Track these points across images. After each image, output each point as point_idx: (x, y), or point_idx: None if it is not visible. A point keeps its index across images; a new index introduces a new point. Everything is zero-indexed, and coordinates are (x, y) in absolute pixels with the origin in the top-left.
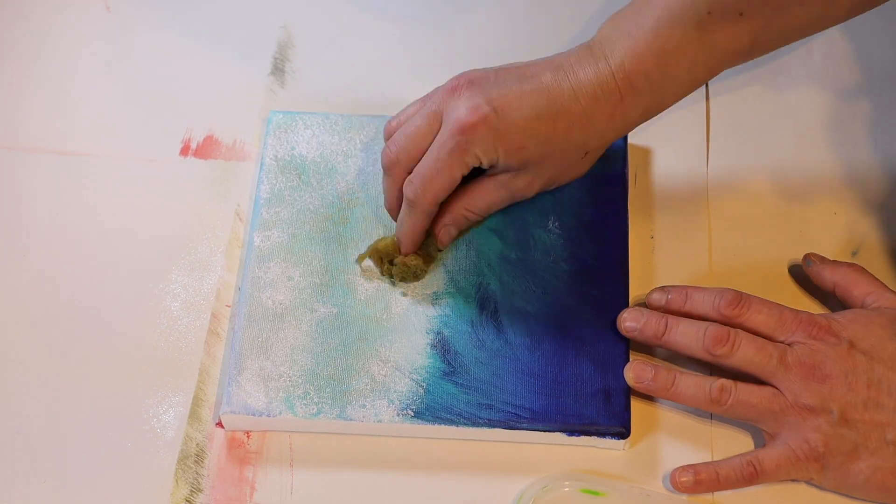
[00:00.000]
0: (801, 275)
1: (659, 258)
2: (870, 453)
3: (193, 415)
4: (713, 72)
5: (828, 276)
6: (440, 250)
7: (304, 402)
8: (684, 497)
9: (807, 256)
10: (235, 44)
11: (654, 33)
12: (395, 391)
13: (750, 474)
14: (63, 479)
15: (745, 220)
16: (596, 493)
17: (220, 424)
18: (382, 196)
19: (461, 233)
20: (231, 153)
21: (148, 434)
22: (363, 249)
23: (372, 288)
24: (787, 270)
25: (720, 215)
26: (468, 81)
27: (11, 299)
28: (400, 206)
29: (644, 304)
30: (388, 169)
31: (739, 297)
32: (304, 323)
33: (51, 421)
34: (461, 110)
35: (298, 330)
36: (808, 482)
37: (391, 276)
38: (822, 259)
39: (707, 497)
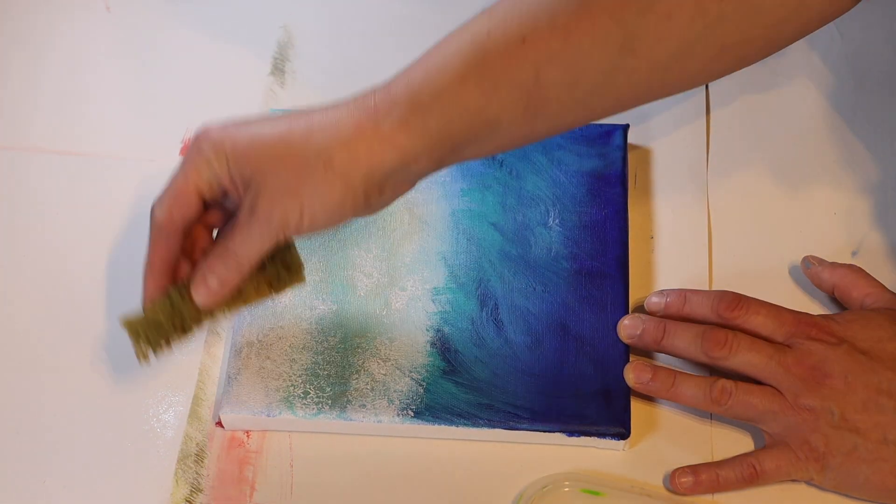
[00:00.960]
0: (801, 275)
1: (659, 258)
2: (870, 453)
3: (193, 414)
4: (490, 108)
5: (827, 278)
6: (196, 317)
7: (304, 401)
8: (684, 497)
9: (806, 259)
10: (235, 44)
11: (431, 55)
12: (395, 391)
13: (750, 475)
14: (63, 479)
15: (745, 220)
16: (596, 493)
17: (219, 424)
18: None
19: (233, 299)
20: None
21: (148, 434)
22: (363, 247)
23: (372, 284)
24: (786, 271)
25: (720, 215)
26: None
27: (11, 299)
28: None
29: (643, 308)
30: (150, 214)
31: (738, 299)
32: (304, 321)
33: (51, 421)
34: (201, 127)
35: (298, 328)
36: (808, 482)
37: (143, 351)
38: (821, 261)
39: (707, 498)
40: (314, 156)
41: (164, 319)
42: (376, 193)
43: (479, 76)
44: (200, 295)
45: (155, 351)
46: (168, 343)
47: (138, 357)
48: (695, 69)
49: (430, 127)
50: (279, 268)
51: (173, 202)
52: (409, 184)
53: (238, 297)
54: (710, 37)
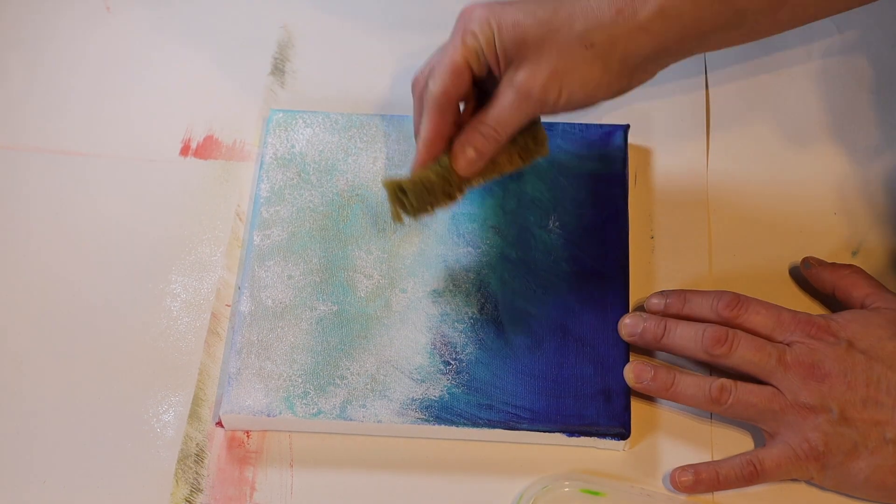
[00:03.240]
0: (801, 275)
1: (659, 258)
2: (869, 452)
3: (193, 414)
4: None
5: (827, 278)
6: (459, 186)
7: (304, 401)
8: (684, 497)
9: (806, 260)
10: (235, 44)
11: None
12: (395, 391)
13: (750, 473)
14: (63, 479)
15: (745, 220)
16: (596, 493)
17: (219, 424)
18: (384, 193)
19: (487, 169)
20: (231, 153)
21: (148, 434)
22: (363, 249)
23: (372, 285)
24: (787, 271)
25: (720, 215)
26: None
27: (11, 299)
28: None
29: (643, 308)
30: (413, 88)
31: (738, 299)
32: (304, 322)
33: (51, 421)
34: (465, 6)
35: (298, 329)
36: (808, 482)
37: (401, 211)
38: (821, 262)
39: (707, 497)
40: (576, 37)
41: (437, 182)
42: (628, 77)
43: None
44: (460, 164)
45: (416, 214)
46: (432, 207)
47: (394, 217)
48: None
49: (683, 15)
50: (528, 140)
51: (448, 76)
52: (655, 71)
53: (493, 166)
54: None
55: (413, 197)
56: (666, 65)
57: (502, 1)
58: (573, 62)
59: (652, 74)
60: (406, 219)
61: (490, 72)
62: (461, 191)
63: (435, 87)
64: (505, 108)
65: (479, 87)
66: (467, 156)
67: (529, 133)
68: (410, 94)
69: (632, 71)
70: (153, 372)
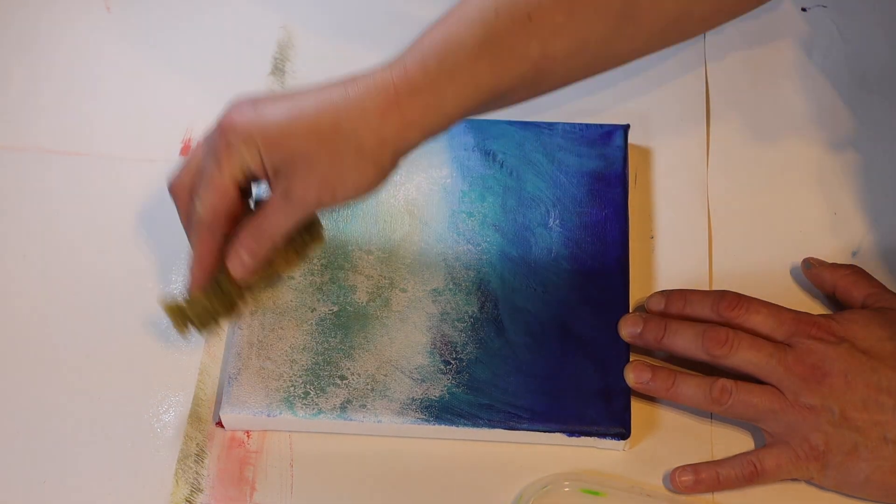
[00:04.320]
0: (801, 275)
1: (659, 258)
2: (870, 452)
3: (193, 414)
4: (500, 83)
5: (828, 279)
6: (240, 295)
7: (304, 402)
8: (684, 497)
9: (806, 260)
10: (235, 44)
11: (439, 31)
12: (395, 391)
13: (750, 473)
14: (63, 479)
15: (745, 221)
16: (596, 493)
17: (220, 424)
18: (383, 191)
19: (265, 276)
20: None
21: (148, 434)
22: (363, 248)
23: (372, 285)
24: (787, 271)
25: (720, 215)
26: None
27: (11, 299)
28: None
29: (643, 308)
30: (171, 193)
31: (738, 299)
32: (304, 322)
33: (51, 421)
34: (224, 113)
35: (298, 329)
36: (809, 482)
37: (184, 330)
38: (822, 262)
39: (707, 497)
40: (344, 143)
41: (216, 303)
42: (399, 164)
43: (491, 55)
44: (236, 269)
45: (203, 330)
46: (216, 322)
47: (179, 332)
48: (692, 29)
49: (447, 106)
50: (304, 235)
51: (215, 197)
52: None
53: (270, 268)
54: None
55: (195, 318)
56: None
57: (257, 100)
58: (344, 168)
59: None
60: (194, 332)
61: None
62: (242, 298)
63: (203, 209)
64: (278, 215)
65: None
66: (242, 261)
67: (304, 228)
68: None
69: (402, 158)
70: (153, 372)
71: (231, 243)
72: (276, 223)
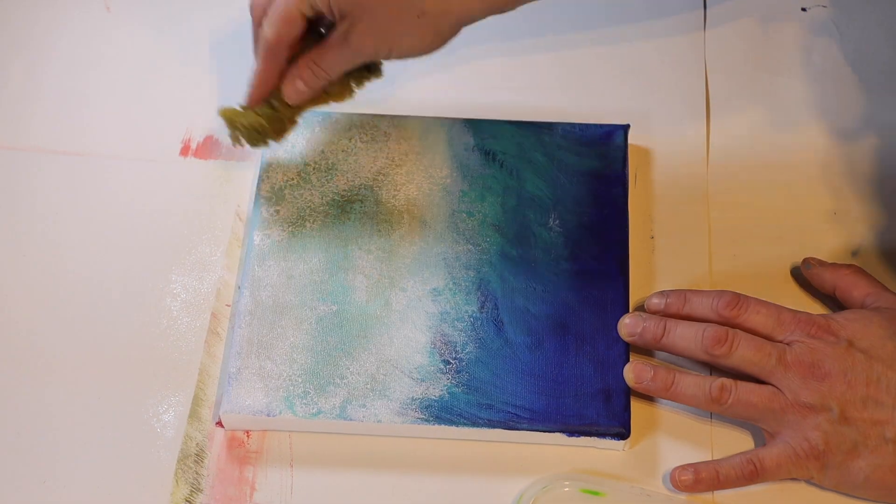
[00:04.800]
0: (801, 275)
1: (659, 258)
2: (869, 451)
3: (193, 414)
4: None
5: (828, 278)
6: (291, 118)
7: (304, 401)
8: (684, 497)
9: (806, 260)
10: (235, 44)
11: None
12: (394, 391)
13: (750, 473)
14: (63, 479)
15: (745, 221)
16: (596, 493)
17: (220, 424)
18: (383, 192)
19: (319, 98)
20: (231, 153)
21: (148, 434)
22: (363, 248)
23: (372, 285)
24: (787, 271)
25: (720, 215)
26: None
27: (11, 299)
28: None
29: (643, 308)
30: (251, 11)
31: (738, 299)
32: (305, 322)
33: (51, 421)
34: None
35: (298, 329)
36: (808, 481)
37: (237, 141)
38: (822, 262)
39: (707, 496)
40: (409, 4)
41: (266, 120)
42: (455, 34)
43: None
44: (290, 94)
45: (251, 143)
46: (265, 142)
47: (233, 142)
48: None
49: None
50: (362, 70)
51: (282, 24)
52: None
53: (325, 96)
54: None
55: (244, 130)
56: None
57: None
58: (404, 28)
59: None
60: (246, 145)
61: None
62: (293, 121)
63: (269, 32)
64: (336, 56)
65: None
66: (297, 87)
67: (363, 64)
68: (410, 94)
69: (462, 27)
70: (153, 372)
71: (290, 69)
72: (332, 61)
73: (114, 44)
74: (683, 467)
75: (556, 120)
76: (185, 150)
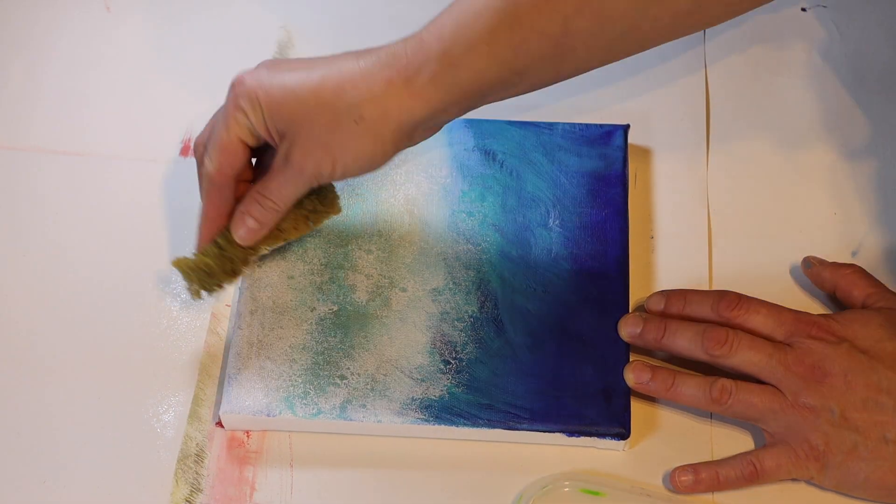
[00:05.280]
0: (801, 275)
1: (659, 258)
2: (869, 452)
3: (193, 415)
4: (518, 60)
5: (828, 278)
6: (243, 258)
7: (304, 401)
8: (684, 497)
9: (806, 259)
10: (235, 44)
11: (459, 5)
12: (394, 391)
13: (750, 473)
14: (63, 479)
15: (745, 221)
16: (596, 493)
17: (219, 424)
18: (383, 192)
19: (272, 236)
20: None
21: (148, 434)
22: (363, 248)
23: (372, 285)
24: (787, 271)
25: (720, 215)
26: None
27: (11, 299)
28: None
29: (643, 308)
30: (195, 152)
31: (738, 299)
32: (304, 322)
33: (51, 421)
34: (240, 73)
35: (298, 329)
36: (808, 482)
37: (196, 294)
38: (822, 261)
39: (707, 497)
40: (345, 111)
41: (214, 263)
42: (405, 141)
43: (510, 30)
44: (241, 234)
45: (209, 292)
46: (220, 285)
47: (192, 294)
48: (718, 12)
49: (460, 81)
50: (315, 202)
51: (222, 156)
52: (436, 129)
53: (278, 233)
54: None
55: (197, 280)
56: (445, 124)
57: (276, 63)
58: (343, 137)
59: (431, 133)
60: (204, 294)
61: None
62: (246, 263)
63: (210, 166)
64: (281, 182)
65: (260, 151)
66: (248, 226)
67: (317, 195)
68: None
69: (409, 136)
70: (153, 372)
71: (238, 207)
72: (278, 189)
73: (114, 44)
74: (683, 468)
75: (556, 120)
76: (185, 150)
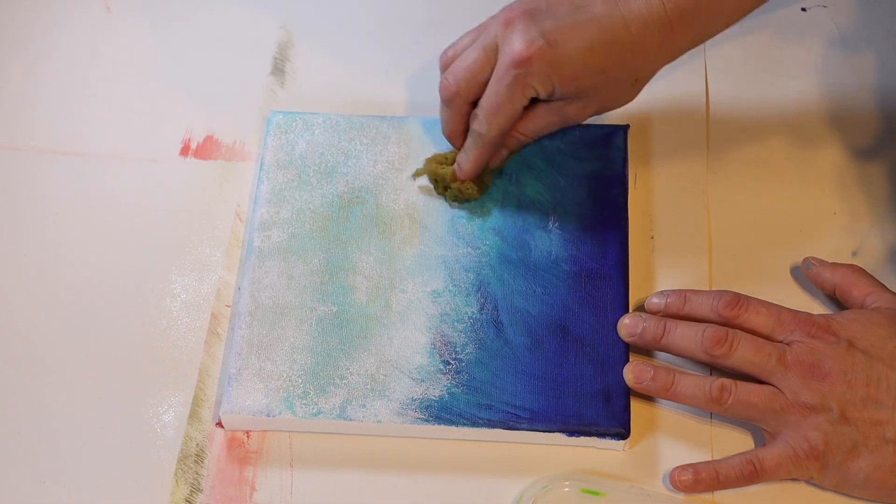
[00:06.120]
0: (801, 275)
1: (659, 259)
2: (869, 451)
3: (193, 415)
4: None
5: (828, 278)
6: (493, 171)
7: (304, 401)
8: (684, 497)
9: (806, 260)
10: (235, 44)
11: None
12: (394, 391)
13: (750, 473)
14: (63, 479)
15: (745, 221)
16: (596, 493)
17: (219, 424)
18: (383, 195)
19: (511, 153)
20: (231, 153)
21: (148, 434)
22: (364, 250)
23: (372, 286)
24: (787, 271)
25: (720, 215)
26: (522, 13)
27: (11, 299)
28: (461, 134)
29: (643, 308)
30: (448, 101)
31: (738, 299)
32: (304, 322)
33: (51, 421)
34: (516, 44)
35: (298, 329)
36: (808, 481)
37: (445, 198)
38: (822, 262)
39: (707, 497)
40: (626, 78)
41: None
42: None
43: None
44: (494, 162)
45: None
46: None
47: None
48: None
49: (701, 34)
50: (485, 176)
51: (505, 122)
52: None
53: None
54: None
55: (455, 192)
56: None
57: (547, 25)
58: (619, 94)
59: None
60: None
61: None
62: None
63: (492, 131)
64: (542, 125)
65: None
66: (503, 156)
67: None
68: (410, 96)
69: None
70: (153, 372)
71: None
72: (541, 127)
73: (114, 44)
74: (683, 467)
75: None
76: (185, 150)
